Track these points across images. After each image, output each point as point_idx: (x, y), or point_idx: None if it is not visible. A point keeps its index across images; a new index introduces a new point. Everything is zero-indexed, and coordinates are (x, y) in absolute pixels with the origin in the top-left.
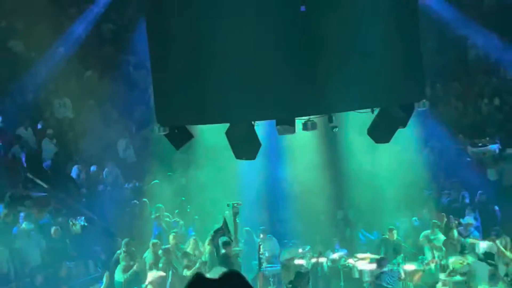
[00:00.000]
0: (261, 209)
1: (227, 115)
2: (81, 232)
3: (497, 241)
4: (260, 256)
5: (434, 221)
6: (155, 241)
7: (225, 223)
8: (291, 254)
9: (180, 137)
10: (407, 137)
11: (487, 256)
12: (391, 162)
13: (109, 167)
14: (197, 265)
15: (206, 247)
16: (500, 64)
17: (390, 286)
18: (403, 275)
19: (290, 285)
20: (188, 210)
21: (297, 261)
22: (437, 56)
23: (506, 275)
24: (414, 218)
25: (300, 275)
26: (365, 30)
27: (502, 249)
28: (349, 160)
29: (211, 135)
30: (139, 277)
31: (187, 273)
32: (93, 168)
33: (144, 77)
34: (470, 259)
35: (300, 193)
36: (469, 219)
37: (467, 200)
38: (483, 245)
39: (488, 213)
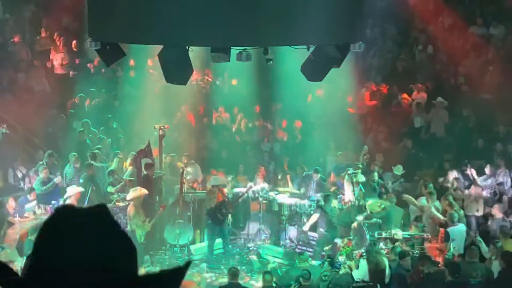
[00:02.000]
0: (188, 135)
1: (161, 37)
2: (2, 139)
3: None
4: (183, 180)
5: (356, 162)
6: (74, 154)
7: (149, 144)
8: (218, 181)
9: (112, 54)
10: (340, 77)
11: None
12: (324, 101)
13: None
14: (122, 183)
15: (128, 167)
16: (439, 13)
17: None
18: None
19: (212, 210)
20: (114, 126)
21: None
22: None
23: (416, 219)
24: (339, 152)
25: (224, 203)
26: None
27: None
28: (281, 95)
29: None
30: (58, 190)
31: (111, 189)
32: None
33: None
34: (386, 203)
35: (229, 122)
36: (398, 168)
37: None
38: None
39: (412, 158)
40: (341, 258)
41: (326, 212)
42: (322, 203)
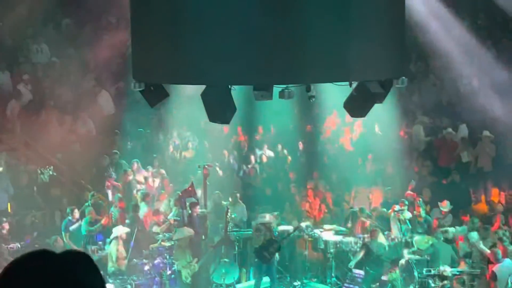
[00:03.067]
0: (233, 173)
1: (204, 77)
2: (49, 181)
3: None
4: (228, 219)
5: (403, 199)
6: (120, 196)
7: (192, 184)
8: (265, 219)
9: (155, 95)
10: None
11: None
12: (367, 136)
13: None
14: (167, 222)
15: (173, 207)
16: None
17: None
18: None
19: (259, 248)
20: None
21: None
22: (420, 33)
23: (465, 256)
24: (388, 188)
25: (271, 241)
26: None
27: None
28: (324, 132)
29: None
30: (104, 231)
31: (157, 230)
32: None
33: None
34: (434, 239)
35: (273, 160)
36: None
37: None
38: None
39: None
40: None
41: (371, 250)
42: (368, 239)
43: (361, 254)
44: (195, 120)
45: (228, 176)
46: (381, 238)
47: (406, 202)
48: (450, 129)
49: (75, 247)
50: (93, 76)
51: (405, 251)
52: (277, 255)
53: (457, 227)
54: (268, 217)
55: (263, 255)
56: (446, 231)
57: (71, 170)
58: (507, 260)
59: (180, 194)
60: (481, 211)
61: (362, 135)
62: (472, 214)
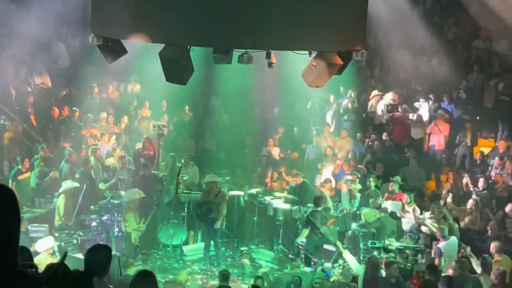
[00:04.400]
0: (187, 135)
1: (163, 35)
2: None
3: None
4: (179, 180)
5: (355, 172)
6: (70, 149)
7: (148, 143)
8: (212, 178)
9: (113, 51)
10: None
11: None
12: (323, 107)
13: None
14: (113, 180)
15: (117, 164)
16: (445, 23)
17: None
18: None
19: (195, 205)
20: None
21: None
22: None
23: (411, 231)
24: (338, 161)
25: (205, 202)
26: None
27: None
28: (282, 100)
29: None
30: (53, 185)
31: (103, 186)
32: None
33: None
34: (381, 214)
35: (229, 125)
36: (397, 178)
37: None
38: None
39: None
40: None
41: (315, 223)
42: (310, 216)
43: (307, 230)
44: (154, 79)
45: (183, 138)
46: (327, 210)
47: (359, 175)
48: (405, 106)
49: (22, 199)
50: (51, 28)
51: (353, 223)
52: (219, 223)
53: (405, 203)
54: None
55: (196, 212)
56: (394, 205)
57: (23, 121)
58: (453, 237)
59: (135, 153)
60: (430, 189)
61: (319, 105)
62: (420, 191)
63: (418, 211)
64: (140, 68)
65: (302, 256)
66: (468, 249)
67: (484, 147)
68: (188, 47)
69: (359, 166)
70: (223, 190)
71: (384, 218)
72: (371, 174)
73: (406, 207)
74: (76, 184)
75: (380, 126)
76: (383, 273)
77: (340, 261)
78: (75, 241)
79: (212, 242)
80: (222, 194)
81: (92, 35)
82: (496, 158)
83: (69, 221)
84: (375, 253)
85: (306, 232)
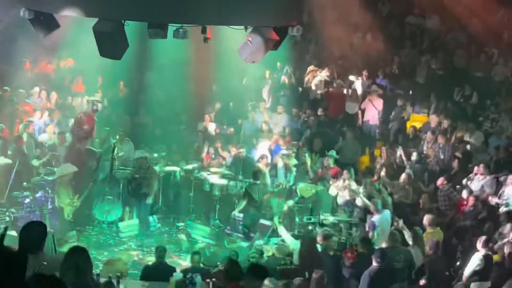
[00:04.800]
0: (122, 111)
1: (96, 10)
2: None
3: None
4: (114, 157)
5: (290, 147)
6: (2, 126)
7: (81, 118)
8: (142, 154)
9: (45, 25)
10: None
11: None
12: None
13: None
14: (47, 156)
15: (56, 140)
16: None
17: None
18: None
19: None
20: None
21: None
22: None
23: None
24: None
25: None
26: None
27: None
28: (218, 75)
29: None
30: None
31: (36, 163)
32: None
33: None
34: (318, 188)
35: (164, 100)
36: (333, 152)
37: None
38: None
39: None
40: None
41: (253, 196)
42: (248, 188)
43: (244, 202)
44: (88, 54)
45: (117, 114)
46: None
47: (294, 149)
48: (340, 81)
49: None
50: None
51: (289, 199)
52: (150, 198)
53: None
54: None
55: (127, 188)
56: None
57: None
58: (386, 211)
59: (72, 127)
60: (364, 163)
61: (255, 80)
62: (355, 165)
63: (353, 185)
64: (74, 43)
65: (240, 229)
66: (401, 222)
67: (417, 122)
68: (122, 21)
69: (294, 142)
70: (153, 165)
71: (321, 192)
72: (306, 149)
73: (347, 183)
74: (8, 161)
75: (315, 101)
76: (319, 247)
77: (276, 237)
78: (7, 219)
79: (154, 217)
80: (152, 169)
81: (23, 8)
82: (428, 133)
83: (2, 198)
84: (310, 227)
85: (243, 204)
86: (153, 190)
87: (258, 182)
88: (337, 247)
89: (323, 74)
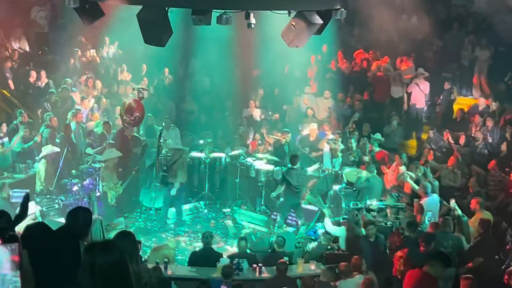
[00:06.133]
0: (167, 98)
1: None
2: None
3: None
4: (160, 143)
5: (338, 131)
6: (50, 114)
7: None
8: (174, 146)
9: (90, 13)
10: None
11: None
12: (304, 68)
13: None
14: (104, 145)
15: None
16: None
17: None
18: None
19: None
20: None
21: (196, 154)
22: None
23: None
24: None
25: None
26: None
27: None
28: (263, 61)
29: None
30: (34, 150)
31: (90, 151)
32: None
33: None
34: (366, 173)
35: (209, 87)
36: (378, 135)
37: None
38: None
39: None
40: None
41: (290, 181)
42: (286, 173)
43: (283, 187)
44: (132, 42)
45: (163, 101)
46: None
47: (340, 134)
48: (386, 64)
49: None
50: None
51: (335, 184)
52: (175, 189)
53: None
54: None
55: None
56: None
57: (1, 86)
58: (434, 194)
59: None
60: (411, 147)
61: (299, 65)
62: (402, 149)
63: (402, 169)
64: (119, 31)
65: (261, 209)
66: (453, 201)
67: (464, 104)
68: (166, 8)
69: (345, 127)
70: (184, 156)
71: (372, 178)
72: (353, 134)
73: (399, 168)
74: (57, 149)
75: (361, 85)
76: (363, 231)
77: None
78: (57, 206)
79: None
80: (182, 159)
81: None
82: (476, 116)
83: (51, 186)
84: (357, 213)
85: (281, 189)
86: (179, 181)
87: (295, 167)
88: (383, 231)
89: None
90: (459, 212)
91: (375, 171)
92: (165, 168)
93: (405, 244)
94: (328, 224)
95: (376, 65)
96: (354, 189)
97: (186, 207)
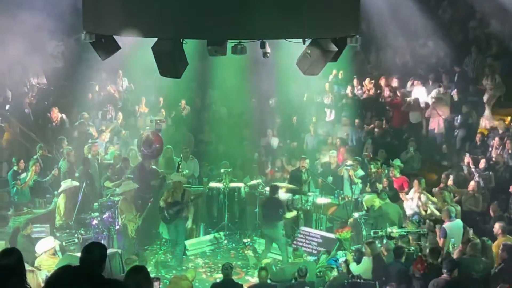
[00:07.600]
0: (185, 129)
1: (155, 29)
2: None
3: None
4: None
5: (356, 157)
6: (70, 148)
7: (146, 137)
8: (177, 178)
9: (106, 47)
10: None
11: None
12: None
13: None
14: (122, 179)
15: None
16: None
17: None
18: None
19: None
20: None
21: (214, 184)
22: None
23: (412, 215)
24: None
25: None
26: None
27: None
28: (279, 90)
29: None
30: (53, 184)
31: (109, 184)
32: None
33: None
34: (381, 200)
35: (226, 117)
36: (397, 161)
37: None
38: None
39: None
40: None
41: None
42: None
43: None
44: (148, 74)
45: (181, 132)
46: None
47: (359, 159)
48: (404, 90)
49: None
50: (45, 28)
51: (355, 211)
52: (189, 222)
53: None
54: (176, 176)
55: (164, 214)
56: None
57: (21, 122)
58: (458, 220)
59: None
60: (430, 172)
61: (315, 92)
62: (421, 174)
63: (423, 196)
64: (135, 64)
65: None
66: (471, 231)
67: (483, 128)
68: (181, 40)
69: (363, 153)
70: (188, 189)
71: (385, 205)
72: (373, 160)
73: (417, 195)
74: (76, 183)
75: (378, 111)
76: (385, 259)
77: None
78: (76, 240)
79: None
80: (187, 193)
81: (84, 32)
82: (496, 138)
83: (70, 220)
84: (377, 241)
85: (291, 214)
86: (191, 214)
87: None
88: (406, 258)
89: (386, 84)
90: (476, 240)
91: (388, 198)
92: (170, 202)
93: (429, 271)
94: (354, 268)
95: (392, 91)
96: (373, 217)
97: (206, 238)
